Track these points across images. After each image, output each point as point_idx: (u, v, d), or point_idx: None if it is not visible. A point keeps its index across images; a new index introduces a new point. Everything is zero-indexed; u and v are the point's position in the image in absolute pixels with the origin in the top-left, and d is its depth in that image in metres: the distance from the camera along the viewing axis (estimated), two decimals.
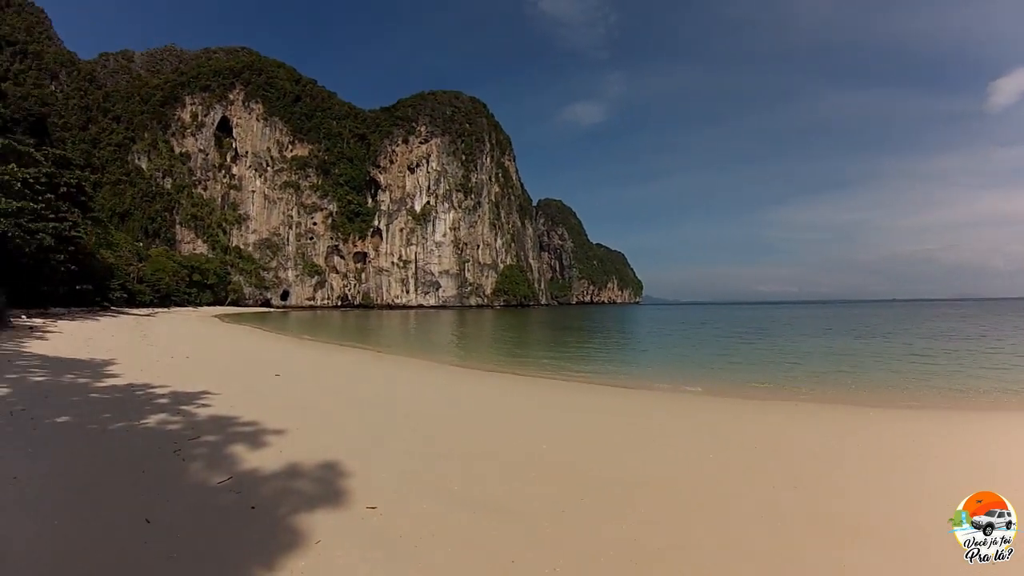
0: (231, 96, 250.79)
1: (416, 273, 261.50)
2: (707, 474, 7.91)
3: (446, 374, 22.13)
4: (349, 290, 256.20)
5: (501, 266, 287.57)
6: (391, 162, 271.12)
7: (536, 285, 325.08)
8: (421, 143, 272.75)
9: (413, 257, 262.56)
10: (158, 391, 12.70)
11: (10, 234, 46.12)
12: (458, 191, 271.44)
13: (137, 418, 9.82)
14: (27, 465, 6.94)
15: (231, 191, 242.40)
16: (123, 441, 8.35)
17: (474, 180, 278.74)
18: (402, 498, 6.28)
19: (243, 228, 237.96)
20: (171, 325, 52.11)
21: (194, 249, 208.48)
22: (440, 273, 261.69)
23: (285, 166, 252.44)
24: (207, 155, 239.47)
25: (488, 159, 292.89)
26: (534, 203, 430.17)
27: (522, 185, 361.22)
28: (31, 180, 55.41)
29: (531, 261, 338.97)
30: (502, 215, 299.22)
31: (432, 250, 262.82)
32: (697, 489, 7.09)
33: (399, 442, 9.19)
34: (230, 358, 23.93)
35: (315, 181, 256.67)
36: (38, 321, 37.78)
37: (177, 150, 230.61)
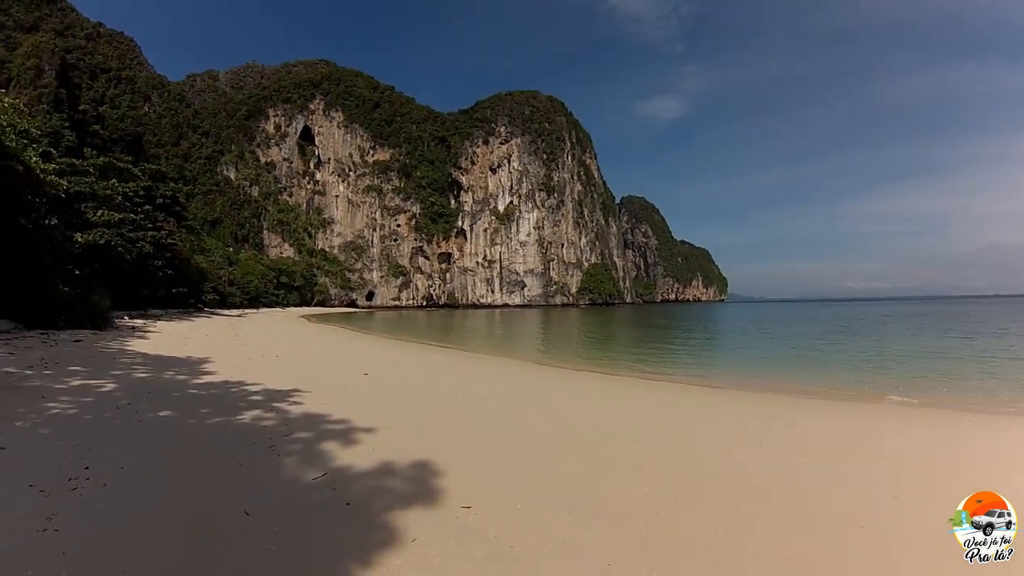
0: (312, 106, 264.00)
1: (501, 273, 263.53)
2: (803, 479, 7.55)
3: (533, 372, 21.99)
4: (434, 290, 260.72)
5: (586, 264, 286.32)
6: (472, 163, 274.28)
7: (621, 283, 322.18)
8: (501, 143, 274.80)
9: (497, 257, 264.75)
10: (251, 388, 13.15)
11: (113, 243, 49.81)
12: (541, 190, 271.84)
13: (233, 414, 10.16)
14: (133, 456, 7.25)
15: (315, 196, 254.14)
16: (220, 436, 8.66)
17: (556, 179, 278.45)
18: (496, 497, 6.25)
19: (328, 231, 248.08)
20: (260, 325, 54.61)
21: (281, 253, 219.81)
22: (525, 272, 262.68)
23: (367, 170, 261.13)
24: (291, 163, 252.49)
25: (569, 157, 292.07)
26: (617, 200, 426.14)
27: (604, 183, 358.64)
28: (130, 193, 60.36)
29: (615, 259, 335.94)
30: (585, 213, 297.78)
31: (516, 249, 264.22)
32: (796, 494, 6.76)
33: (489, 441, 9.20)
34: (318, 357, 24.59)
35: (397, 184, 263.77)
36: (139, 322, 40.37)
37: (263, 160, 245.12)
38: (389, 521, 5.41)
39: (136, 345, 23.94)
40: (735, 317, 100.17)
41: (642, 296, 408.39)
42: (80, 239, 43.60)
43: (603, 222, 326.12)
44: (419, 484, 6.61)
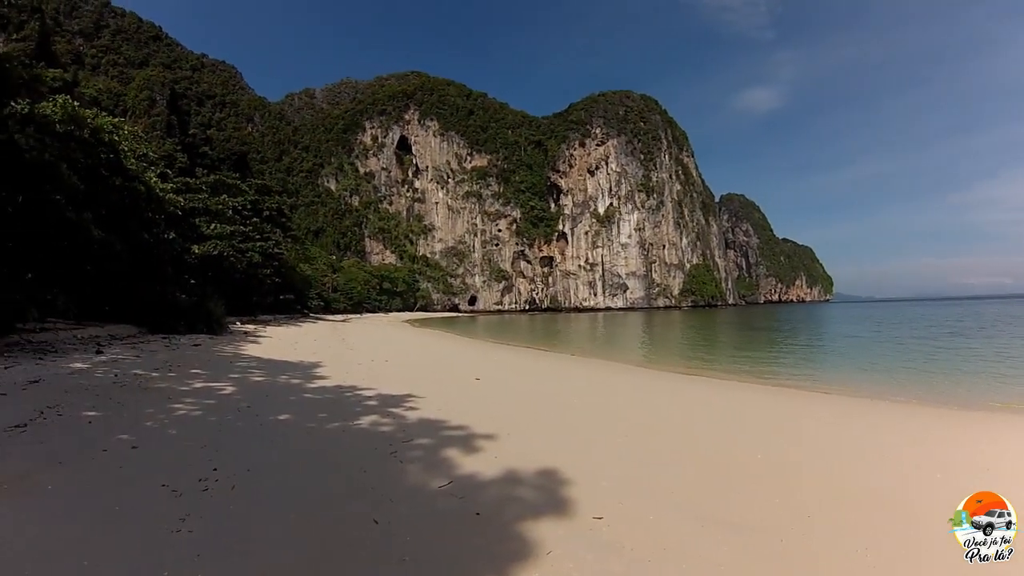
0: (407, 116, 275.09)
1: (603, 275, 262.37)
2: (940, 494, 6.77)
3: (641, 376, 21.41)
4: (536, 294, 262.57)
5: (687, 266, 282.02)
6: (570, 166, 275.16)
7: (723, 284, 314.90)
8: (598, 145, 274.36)
9: (599, 259, 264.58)
10: (365, 393, 13.27)
11: (225, 254, 54.01)
12: (640, 191, 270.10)
13: (351, 419, 10.24)
14: (257, 459, 7.39)
15: (415, 204, 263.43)
16: (340, 441, 8.72)
17: (655, 179, 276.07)
18: (627, 508, 6.03)
19: (429, 238, 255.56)
20: (365, 330, 56.33)
21: (383, 259, 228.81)
22: (627, 275, 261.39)
23: (465, 177, 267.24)
24: (390, 172, 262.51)
25: (666, 156, 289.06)
26: (716, 199, 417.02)
27: (703, 181, 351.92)
28: (239, 207, 66.72)
29: (717, 260, 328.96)
30: (685, 213, 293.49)
31: (618, 252, 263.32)
32: (934, 511, 5.99)
33: (612, 448, 8.91)
34: (427, 362, 24.86)
35: (496, 189, 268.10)
36: (250, 327, 43.12)
37: (361, 170, 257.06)
38: (521, 532, 5.27)
39: (250, 349, 25.20)
40: (843, 318, 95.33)
41: (744, 297, 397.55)
42: (196, 251, 46.14)
43: (703, 222, 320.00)
44: (547, 493, 6.47)
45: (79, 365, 14.99)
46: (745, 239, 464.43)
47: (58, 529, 4.87)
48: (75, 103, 28.25)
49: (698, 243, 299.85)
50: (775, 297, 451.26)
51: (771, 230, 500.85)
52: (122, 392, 11.59)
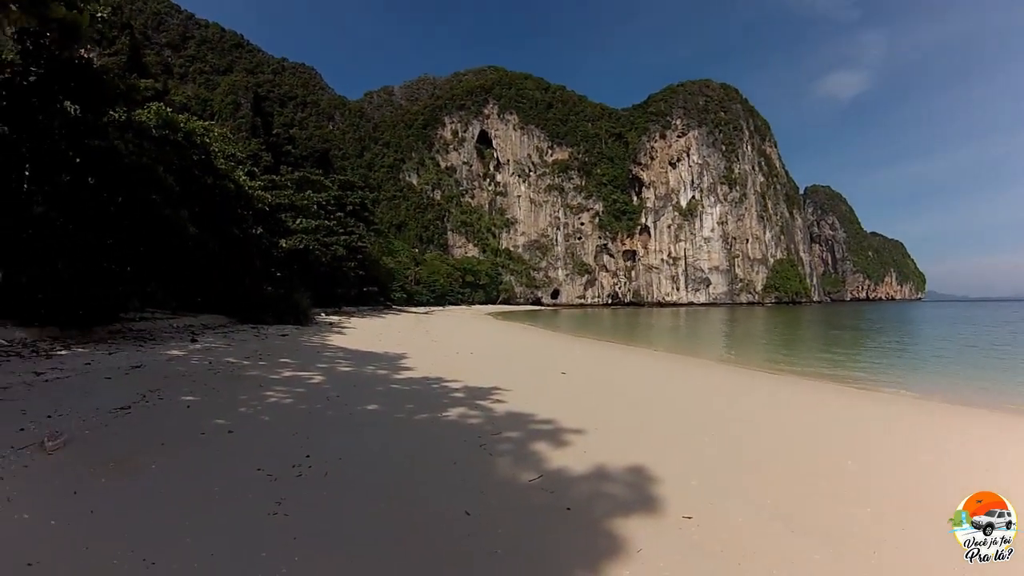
0: (486, 111, 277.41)
1: (685, 270, 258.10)
2: None
3: (727, 374, 20.77)
4: (619, 288, 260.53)
5: (771, 260, 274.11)
6: (652, 158, 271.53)
7: (808, 280, 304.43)
8: (679, 136, 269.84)
9: (682, 254, 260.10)
10: (452, 385, 13.40)
11: (311, 247, 56.25)
12: (722, 183, 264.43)
13: (439, 411, 10.34)
14: (348, 448, 7.56)
15: (497, 197, 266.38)
16: (430, 432, 8.85)
17: (737, 171, 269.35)
18: (716, 509, 5.95)
19: (511, 231, 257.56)
20: (448, 322, 57.24)
21: (466, 252, 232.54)
22: (709, 269, 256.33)
23: (547, 170, 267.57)
24: (471, 167, 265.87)
25: (749, 147, 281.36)
26: (801, 190, 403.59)
27: (787, 172, 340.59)
28: (324, 203, 69.32)
29: (802, 255, 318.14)
30: (769, 206, 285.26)
31: (701, 246, 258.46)
32: None
33: (698, 447, 8.76)
34: (512, 355, 25.00)
35: (578, 183, 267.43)
36: (334, 318, 44.75)
37: (443, 164, 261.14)
38: (612, 528, 5.27)
39: (336, 340, 26.05)
40: (937, 318, 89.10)
41: (830, 294, 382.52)
42: (284, 244, 47.79)
43: (787, 215, 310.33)
44: (637, 490, 6.45)
45: (176, 352, 15.90)
46: (831, 233, 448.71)
47: (162, 506, 5.11)
48: (168, 109, 30.30)
49: (782, 237, 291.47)
50: (863, 295, 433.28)
51: (859, 223, 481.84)
52: (216, 379, 12.16)
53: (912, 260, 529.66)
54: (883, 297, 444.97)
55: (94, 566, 4.04)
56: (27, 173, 18.84)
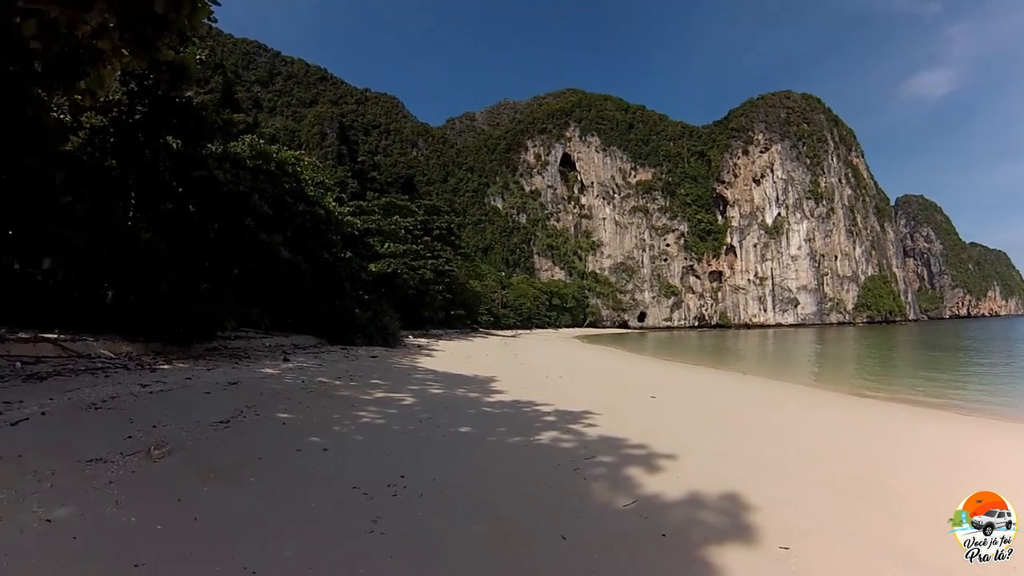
0: (567, 134, 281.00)
1: (773, 290, 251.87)
2: None
3: (818, 398, 20.13)
4: (705, 310, 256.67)
5: (862, 278, 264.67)
6: (735, 176, 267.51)
7: (902, 297, 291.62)
8: (761, 152, 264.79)
9: (769, 273, 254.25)
10: (543, 409, 13.35)
11: (399, 271, 57.73)
12: (808, 198, 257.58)
13: (531, 434, 10.35)
14: (442, 469, 7.61)
15: (582, 220, 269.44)
16: (523, 456, 8.88)
17: (823, 184, 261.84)
18: (814, 540, 5.76)
19: (597, 254, 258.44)
20: (536, 345, 57.50)
21: (552, 275, 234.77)
22: (797, 289, 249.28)
23: (631, 192, 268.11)
24: (555, 190, 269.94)
25: (834, 158, 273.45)
26: (892, 202, 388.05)
27: (875, 183, 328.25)
28: (410, 227, 72.01)
29: (895, 270, 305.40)
30: (858, 220, 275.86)
31: (788, 264, 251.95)
32: None
33: (793, 474, 8.57)
34: (601, 378, 24.97)
35: (663, 203, 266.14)
36: (422, 341, 46.24)
37: (527, 188, 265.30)
38: (707, 556, 5.20)
39: (425, 362, 26.58)
40: None
41: (927, 311, 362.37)
42: (372, 268, 49.28)
43: (878, 228, 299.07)
44: (732, 518, 6.31)
45: (270, 371, 16.61)
46: (926, 245, 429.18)
47: (262, 518, 5.26)
48: (260, 141, 32.54)
49: (873, 252, 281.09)
50: (963, 311, 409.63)
51: (956, 234, 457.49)
52: (309, 397, 12.51)
53: (1018, 272, 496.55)
54: (986, 313, 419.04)
55: (197, 571, 4.17)
56: (133, 202, 20.38)
